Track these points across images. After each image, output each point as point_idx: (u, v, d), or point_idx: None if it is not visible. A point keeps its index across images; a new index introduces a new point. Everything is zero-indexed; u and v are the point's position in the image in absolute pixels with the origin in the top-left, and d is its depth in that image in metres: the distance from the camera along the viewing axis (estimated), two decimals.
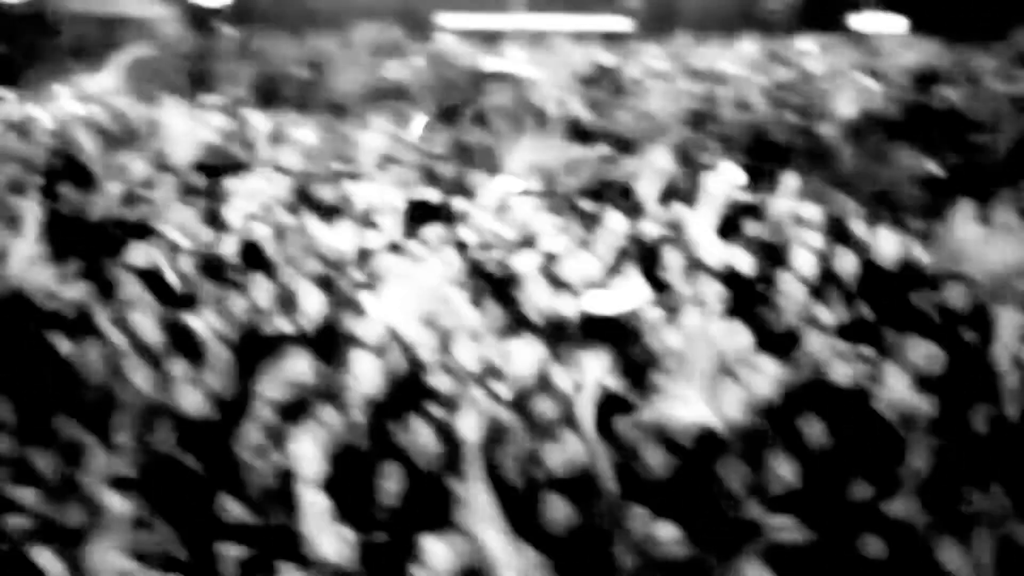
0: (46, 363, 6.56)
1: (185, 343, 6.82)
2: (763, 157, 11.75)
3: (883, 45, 22.41)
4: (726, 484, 5.49)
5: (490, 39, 24.90)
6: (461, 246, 9.03)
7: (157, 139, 11.90)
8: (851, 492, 5.44)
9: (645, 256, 8.66)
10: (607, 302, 7.73)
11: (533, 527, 5.03)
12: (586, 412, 5.94)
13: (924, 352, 6.62)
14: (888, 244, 8.66)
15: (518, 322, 7.55)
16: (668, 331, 6.98)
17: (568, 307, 7.72)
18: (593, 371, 6.48)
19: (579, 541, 5.11)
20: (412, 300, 7.06)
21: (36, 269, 7.70)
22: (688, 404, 5.98)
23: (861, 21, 30.28)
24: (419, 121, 15.53)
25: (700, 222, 9.01)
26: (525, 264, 8.53)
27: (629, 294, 7.86)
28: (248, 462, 5.58)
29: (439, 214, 9.98)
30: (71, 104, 13.87)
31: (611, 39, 26.10)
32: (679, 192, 10.28)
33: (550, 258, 8.69)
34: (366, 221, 9.65)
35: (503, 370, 6.67)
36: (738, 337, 6.80)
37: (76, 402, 6.13)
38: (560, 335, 7.29)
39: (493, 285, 8.12)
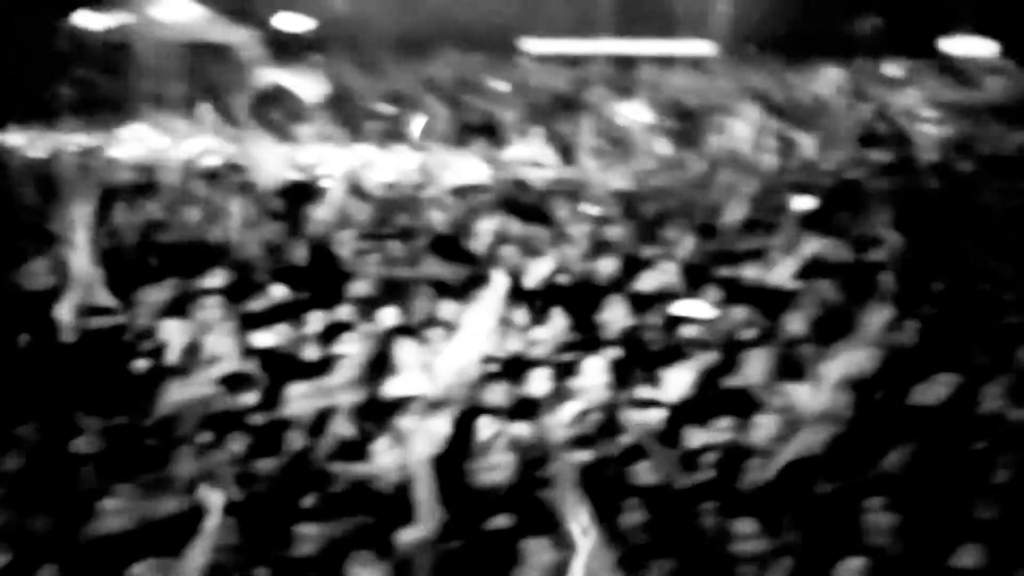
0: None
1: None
2: (847, 199, 11.69)
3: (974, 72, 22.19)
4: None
5: (576, 64, 25.06)
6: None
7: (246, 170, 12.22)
8: None
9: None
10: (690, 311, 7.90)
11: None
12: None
13: None
14: None
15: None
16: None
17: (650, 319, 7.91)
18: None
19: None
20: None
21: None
22: None
23: (951, 45, 29.94)
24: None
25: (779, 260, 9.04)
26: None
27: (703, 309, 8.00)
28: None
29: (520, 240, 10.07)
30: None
31: (696, 64, 26.22)
32: (761, 223, 10.33)
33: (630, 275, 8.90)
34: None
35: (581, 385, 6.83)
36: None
37: None
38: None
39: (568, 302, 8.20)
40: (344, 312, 7.91)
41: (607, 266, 9.29)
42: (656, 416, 6.50)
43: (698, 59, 28.18)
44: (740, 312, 8.01)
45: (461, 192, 12.01)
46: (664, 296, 8.43)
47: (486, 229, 10.23)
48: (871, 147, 15.31)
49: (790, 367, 6.95)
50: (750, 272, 9.01)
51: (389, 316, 7.85)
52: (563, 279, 9.05)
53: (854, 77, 22.02)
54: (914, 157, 14.28)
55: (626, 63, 25.05)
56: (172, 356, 7.12)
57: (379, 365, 7.02)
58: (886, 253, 9.66)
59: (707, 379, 6.98)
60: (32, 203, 10.71)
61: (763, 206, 10.92)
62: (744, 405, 6.46)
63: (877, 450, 5.93)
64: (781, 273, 8.84)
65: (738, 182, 11.65)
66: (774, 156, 13.92)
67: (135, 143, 14.01)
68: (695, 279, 8.79)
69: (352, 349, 7.18)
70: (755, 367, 6.97)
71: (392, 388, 6.85)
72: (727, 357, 7.18)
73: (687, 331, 7.71)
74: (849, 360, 6.73)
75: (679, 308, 8.01)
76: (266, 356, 7.24)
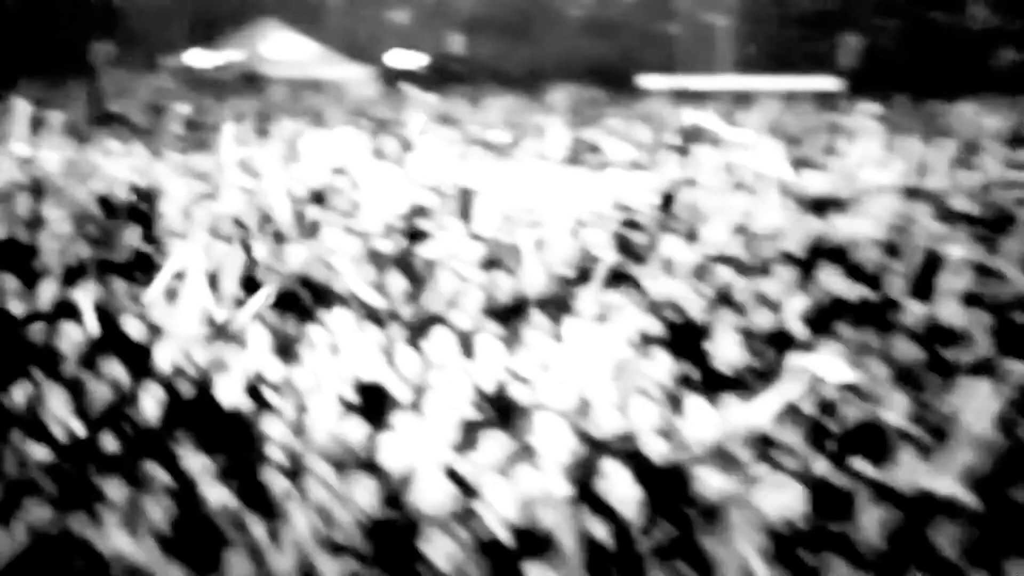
0: None
1: None
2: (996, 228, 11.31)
3: None
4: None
5: (694, 99, 24.96)
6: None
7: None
8: None
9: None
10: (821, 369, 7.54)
11: None
12: None
13: None
14: None
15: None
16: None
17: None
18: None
19: None
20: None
21: None
22: None
23: None
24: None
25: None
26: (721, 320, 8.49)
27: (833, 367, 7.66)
28: None
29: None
30: None
31: (822, 99, 25.93)
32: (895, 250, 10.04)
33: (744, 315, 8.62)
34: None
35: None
36: None
37: None
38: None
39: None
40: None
41: (720, 311, 9.10)
42: None
43: (823, 95, 27.88)
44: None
45: (574, 226, 11.91)
46: (783, 343, 8.20)
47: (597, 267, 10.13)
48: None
49: None
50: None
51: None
52: (674, 318, 8.89)
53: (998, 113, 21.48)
54: None
55: (747, 99, 24.83)
56: None
57: None
58: None
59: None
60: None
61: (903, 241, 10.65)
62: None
63: None
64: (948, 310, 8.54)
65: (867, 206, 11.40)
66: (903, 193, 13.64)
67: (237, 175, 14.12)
68: (819, 327, 8.56)
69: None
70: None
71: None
72: None
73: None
74: None
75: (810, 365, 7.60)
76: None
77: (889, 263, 9.44)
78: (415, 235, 10.94)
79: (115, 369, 6.95)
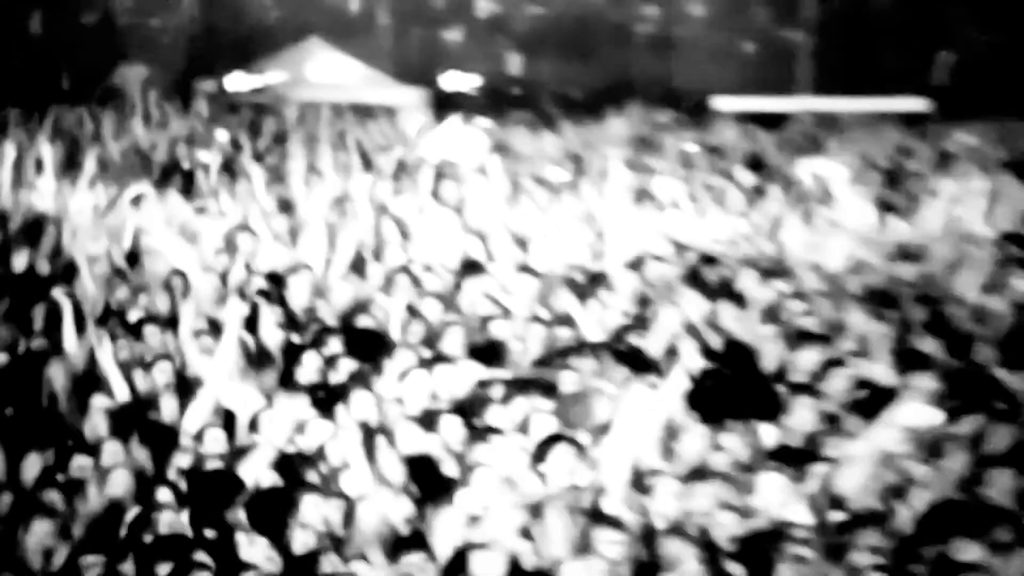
0: None
1: None
2: None
3: None
4: None
5: (772, 123, 24.77)
6: None
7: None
8: None
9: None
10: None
11: None
12: None
13: None
14: None
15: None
16: None
17: None
18: None
19: None
20: None
21: None
22: None
23: None
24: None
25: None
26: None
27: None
28: None
29: None
30: None
31: (910, 122, 25.63)
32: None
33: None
34: None
35: None
36: None
37: None
38: None
39: None
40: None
41: (806, 358, 8.99)
42: None
43: (911, 116, 27.55)
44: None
45: (638, 265, 11.84)
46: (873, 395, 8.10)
47: (666, 310, 10.08)
48: None
49: None
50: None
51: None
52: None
53: None
54: None
55: (829, 122, 24.64)
56: None
57: None
58: None
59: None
60: None
61: (995, 282, 10.50)
62: None
63: None
64: None
65: (963, 255, 11.22)
66: (1004, 222, 13.42)
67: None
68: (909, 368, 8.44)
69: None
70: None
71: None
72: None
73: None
74: None
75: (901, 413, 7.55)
76: None
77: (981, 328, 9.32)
78: (465, 285, 10.94)
79: None
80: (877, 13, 32.92)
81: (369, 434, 7.63)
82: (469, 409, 8.24)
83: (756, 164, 18.50)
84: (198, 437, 7.88)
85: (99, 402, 8.38)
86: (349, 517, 6.79)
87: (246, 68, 31.23)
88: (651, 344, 9.42)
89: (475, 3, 34.77)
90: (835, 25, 33.57)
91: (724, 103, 30.02)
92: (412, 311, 10.25)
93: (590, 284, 11.14)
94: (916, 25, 32.10)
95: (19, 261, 11.52)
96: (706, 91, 30.33)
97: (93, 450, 7.68)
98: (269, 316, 9.61)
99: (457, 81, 32.33)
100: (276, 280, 10.98)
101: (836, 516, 6.58)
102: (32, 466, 7.52)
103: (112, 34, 33.03)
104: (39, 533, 6.57)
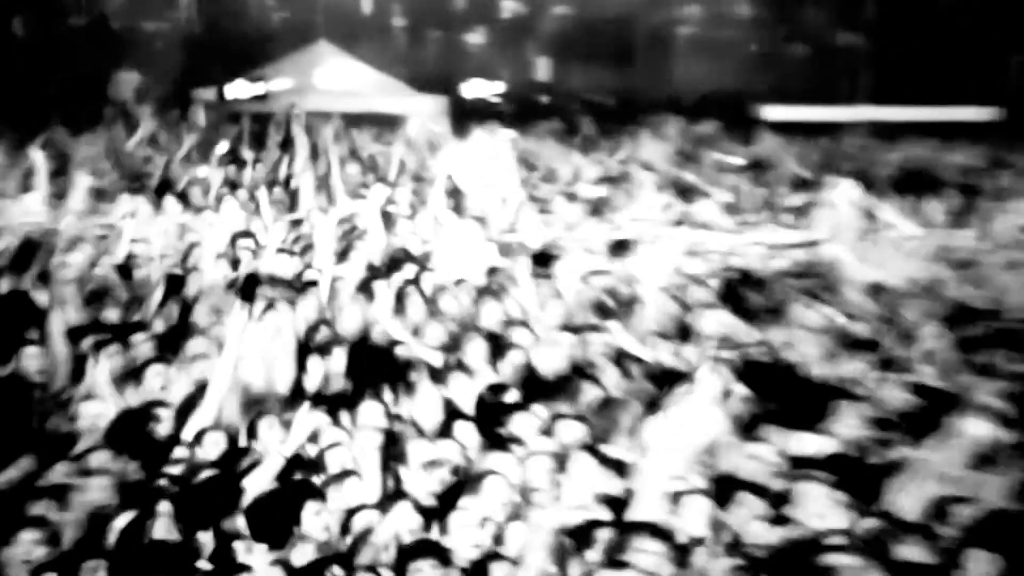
0: None
1: None
2: None
3: None
4: None
5: (824, 135, 24.81)
6: None
7: None
8: None
9: None
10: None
11: None
12: None
13: None
14: None
15: None
16: None
17: None
18: None
19: None
20: None
21: None
22: None
23: None
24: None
25: None
26: None
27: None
28: None
29: None
30: None
31: (977, 133, 25.63)
32: None
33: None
34: None
35: None
36: None
37: None
38: None
39: None
40: None
41: (854, 367, 9.19)
42: None
43: (980, 126, 27.60)
44: None
45: (674, 284, 12.00)
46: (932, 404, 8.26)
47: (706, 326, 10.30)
48: None
49: None
50: None
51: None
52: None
53: None
54: None
55: (887, 132, 24.70)
56: None
57: None
58: None
59: None
60: None
61: None
62: None
63: None
64: None
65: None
66: None
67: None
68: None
69: None
70: None
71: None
72: None
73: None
74: None
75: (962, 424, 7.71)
76: None
77: None
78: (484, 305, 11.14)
79: None
80: (941, 13, 32.84)
81: (389, 441, 7.93)
82: (489, 417, 8.50)
83: (805, 180, 18.60)
84: (196, 442, 8.13)
85: (90, 410, 8.59)
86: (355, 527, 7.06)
87: (248, 75, 31.35)
88: (687, 358, 9.63)
89: (499, 3, 34.86)
90: (895, 27, 33.49)
91: (772, 112, 30.13)
92: (427, 323, 10.52)
93: (622, 302, 11.32)
94: (984, 28, 32.05)
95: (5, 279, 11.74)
96: (752, 99, 30.47)
97: (79, 458, 7.86)
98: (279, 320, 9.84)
99: (479, 88, 32.46)
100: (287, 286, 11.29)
101: (882, 525, 6.72)
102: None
103: (104, 38, 33.19)
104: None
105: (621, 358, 9.63)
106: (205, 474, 7.74)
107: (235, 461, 7.95)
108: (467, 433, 8.34)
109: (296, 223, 13.96)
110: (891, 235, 13.70)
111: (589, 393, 8.86)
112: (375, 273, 11.94)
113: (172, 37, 34.49)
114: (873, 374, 9.05)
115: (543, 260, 12.65)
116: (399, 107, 28.25)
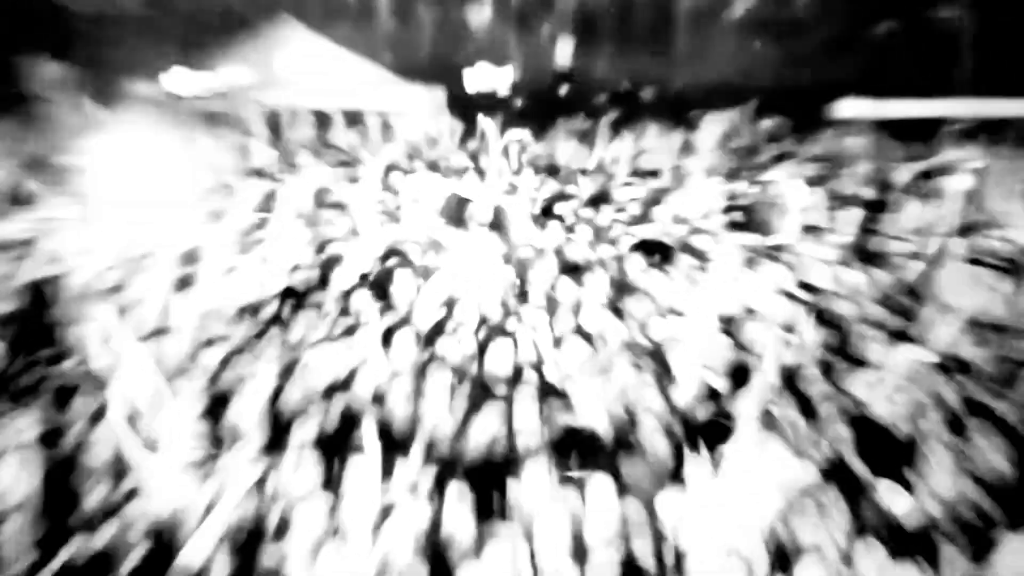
0: None
1: None
2: None
3: None
4: None
5: (912, 132, 24.97)
6: None
7: None
8: None
9: None
10: None
11: None
12: None
13: None
14: None
15: None
16: None
17: None
18: None
19: None
20: None
21: None
22: None
23: None
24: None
25: None
26: None
27: None
28: None
29: None
30: None
31: None
32: None
33: None
34: None
35: None
36: None
37: None
38: None
39: None
40: None
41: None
42: None
43: None
44: None
45: (733, 319, 12.19)
46: None
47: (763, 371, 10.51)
48: None
49: None
50: None
51: None
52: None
53: None
54: None
55: (992, 130, 24.87)
56: None
57: None
58: None
59: None
60: None
61: None
62: None
63: None
64: None
65: None
66: None
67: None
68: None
69: None
70: None
71: None
72: None
73: None
74: None
75: None
76: None
77: None
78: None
79: None
80: None
81: None
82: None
83: (888, 184, 18.77)
84: None
85: None
86: None
87: (193, 63, 31.46)
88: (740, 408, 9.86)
89: None
90: (1001, 5, 33.49)
91: (847, 107, 30.30)
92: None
93: (662, 348, 11.51)
94: None
95: None
96: (823, 91, 30.64)
97: None
98: None
99: (485, 78, 32.62)
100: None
101: None
102: None
103: (21, 20, 33.35)
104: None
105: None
106: None
107: None
108: None
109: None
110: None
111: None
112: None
113: (101, 19, 34.54)
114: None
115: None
116: (385, 101, 28.37)
